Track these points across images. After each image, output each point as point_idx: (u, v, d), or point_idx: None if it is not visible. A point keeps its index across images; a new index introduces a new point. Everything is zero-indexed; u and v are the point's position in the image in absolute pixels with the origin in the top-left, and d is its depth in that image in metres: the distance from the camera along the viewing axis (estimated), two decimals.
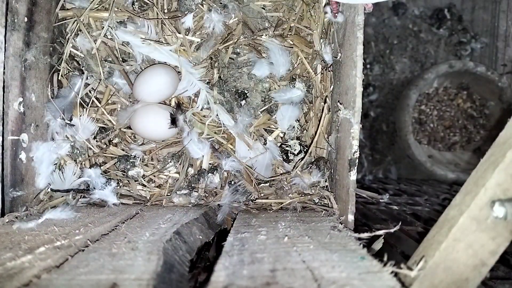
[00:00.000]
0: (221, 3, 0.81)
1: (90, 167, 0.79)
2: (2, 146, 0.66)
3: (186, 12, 0.80)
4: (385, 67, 1.61)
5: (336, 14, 0.74)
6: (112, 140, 0.83)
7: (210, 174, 0.80)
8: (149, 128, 0.78)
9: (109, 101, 0.82)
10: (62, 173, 0.76)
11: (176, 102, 0.83)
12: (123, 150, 0.82)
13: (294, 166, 0.81)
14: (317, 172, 0.79)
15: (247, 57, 0.84)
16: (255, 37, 0.83)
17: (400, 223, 0.55)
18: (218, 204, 0.77)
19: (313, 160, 0.82)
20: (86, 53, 0.80)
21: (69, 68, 0.80)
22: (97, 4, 0.79)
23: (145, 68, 0.80)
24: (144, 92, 0.77)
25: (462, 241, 0.51)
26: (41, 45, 0.74)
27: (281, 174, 0.83)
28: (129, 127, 0.82)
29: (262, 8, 0.84)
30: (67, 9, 0.79)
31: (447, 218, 0.53)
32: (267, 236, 0.56)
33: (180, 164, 0.82)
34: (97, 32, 0.80)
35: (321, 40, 0.83)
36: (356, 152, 0.65)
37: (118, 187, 0.80)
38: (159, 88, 0.77)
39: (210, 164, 0.82)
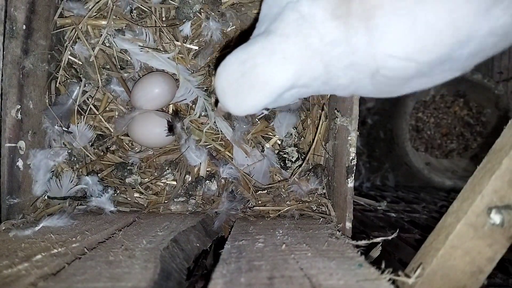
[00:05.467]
0: (219, 11, 0.81)
1: (87, 175, 0.78)
2: (0, 153, 0.66)
3: (184, 20, 0.80)
4: None
5: None
6: (110, 147, 0.83)
7: (207, 181, 0.80)
8: (146, 135, 0.78)
9: (107, 109, 0.82)
10: (59, 180, 0.76)
11: (174, 109, 0.83)
12: (120, 157, 0.82)
13: (292, 173, 0.81)
14: (314, 179, 0.79)
15: None
16: None
17: (397, 231, 0.55)
18: (216, 212, 0.77)
19: (310, 167, 0.82)
20: (84, 60, 0.80)
21: (67, 76, 0.80)
22: (96, 12, 0.79)
23: (143, 76, 0.80)
24: (142, 99, 0.77)
25: (459, 248, 0.51)
26: (39, 52, 0.74)
27: (279, 181, 0.83)
28: (127, 134, 0.82)
29: None
30: (66, 16, 0.79)
31: (444, 225, 0.53)
32: (264, 243, 0.56)
33: (177, 172, 0.82)
34: (95, 40, 0.80)
35: None
36: (354, 159, 0.65)
37: (115, 194, 0.80)
38: (157, 95, 0.77)
39: (207, 171, 0.82)
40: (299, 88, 0.48)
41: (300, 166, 0.81)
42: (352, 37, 0.45)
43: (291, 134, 0.84)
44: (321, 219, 0.73)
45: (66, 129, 0.77)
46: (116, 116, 0.82)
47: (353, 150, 0.65)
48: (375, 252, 0.59)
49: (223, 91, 0.46)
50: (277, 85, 0.45)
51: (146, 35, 0.80)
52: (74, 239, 0.57)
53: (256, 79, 0.44)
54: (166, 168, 0.82)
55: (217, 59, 0.81)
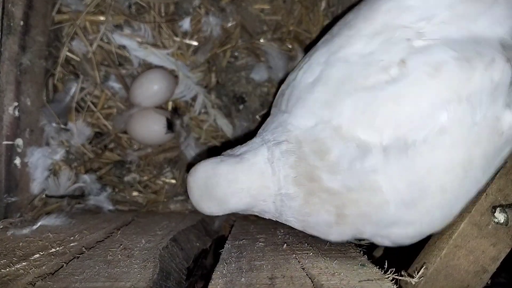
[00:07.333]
0: (219, 7, 0.80)
1: (85, 173, 0.78)
2: None
3: (183, 16, 0.79)
4: None
5: None
6: (108, 145, 0.82)
7: None
8: (145, 132, 0.77)
9: (105, 106, 0.81)
10: (57, 178, 0.75)
11: (173, 106, 0.82)
12: (118, 155, 0.82)
13: None
14: None
15: (245, 61, 0.83)
16: (253, 40, 0.82)
17: None
18: None
19: None
20: (82, 57, 0.79)
21: (65, 72, 0.79)
22: (94, 7, 0.78)
23: (142, 72, 0.80)
24: (140, 96, 0.77)
25: (463, 248, 0.51)
26: (36, 49, 0.73)
27: None
28: (125, 132, 0.81)
29: (261, 11, 0.83)
30: (64, 12, 0.78)
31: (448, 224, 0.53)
32: (265, 243, 0.56)
33: (177, 170, 0.81)
34: (94, 36, 0.79)
35: None
36: None
37: (114, 193, 0.79)
38: (156, 92, 0.77)
39: None
40: (253, 211, 0.52)
41: None
42: (313, 211, 0.48)
43: None
44: None
45: (64, 127, 0.77)
46: (115, 114, 0.82)
47: None
48: (378, 252, 0.58)
49: (190, 188, 0.50)
50: (230, 207, 0.50)
51: (145, 31, 0.79)
52: (72, 238, 0.56)
53: (214, 195, 0.49)
54: (165, 166, 0.81)
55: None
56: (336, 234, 0.50)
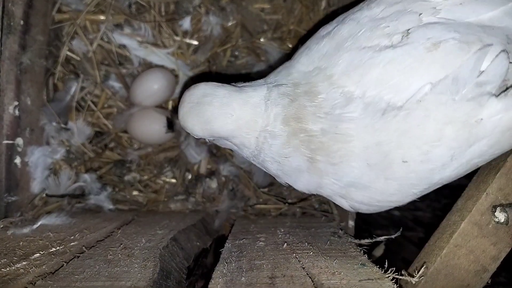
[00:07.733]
0: (219, 6, 0.80)
1: (85, 172, 0.78)
2: None
3: (183, 15, 0.79)
4: None
5: None
6: (108, 144, 0.82)
7: (207, 179, 0.79)
8: (145, 132, 0.77)
9: (105, 105, 0.81)
10: (57, 178, 0.75)
11: (173, 105, 0.82)
12: (119, 154, 0.81)
13: None
14: None
15: (245, 60, 0.83)
16: (253, 40, 0.82)
17: (401, 229, 0.55)
18: (216, 210, 0.76)
19: None
20: (82, 56, 0.79)
21: (65, 72, 0.79)
22: (94, 7, 0.78)
23: (142, 72, 0.80)
24: (141, 95, 0.77)
25: (464, 247, 0.51)
26: (37, 48, 0.73)
27: None
28: (126, 131, 0.81)
29: (261, 11, 0.83)
30: (64, 12, 0.78)
31: (448, 223, 0.53)
32: (266, 242, 0.56)
33: (177, 169, 0.81)
34: (94, 35, 0.79)
35: None
36: None
37: (114, 192, 0.79)
38: (156, 91, 0.77)
39: (207, 168, 0.81)
40: (233, 144, 0.54)
41: None
42: (291, 152, 0.50)
43: None
44: (323, 217, 0.72)
45: (64, 126, 0.77)
46: (115, 113, 0.81)
47: None
48: (378, 251, 0.58)
49: (183, 101, 0.52)
50: (213, 128, 0.51)
51: (145, 30, 0.79)
52: (72, 237, 0.56)
53: (203, 113, 0.51)
54: (166, 165, 0.81)
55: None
56: (304, 182, 0.52)
